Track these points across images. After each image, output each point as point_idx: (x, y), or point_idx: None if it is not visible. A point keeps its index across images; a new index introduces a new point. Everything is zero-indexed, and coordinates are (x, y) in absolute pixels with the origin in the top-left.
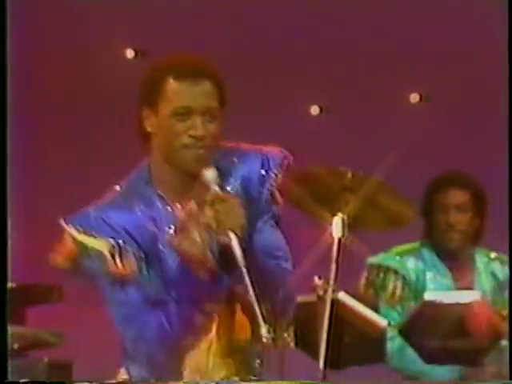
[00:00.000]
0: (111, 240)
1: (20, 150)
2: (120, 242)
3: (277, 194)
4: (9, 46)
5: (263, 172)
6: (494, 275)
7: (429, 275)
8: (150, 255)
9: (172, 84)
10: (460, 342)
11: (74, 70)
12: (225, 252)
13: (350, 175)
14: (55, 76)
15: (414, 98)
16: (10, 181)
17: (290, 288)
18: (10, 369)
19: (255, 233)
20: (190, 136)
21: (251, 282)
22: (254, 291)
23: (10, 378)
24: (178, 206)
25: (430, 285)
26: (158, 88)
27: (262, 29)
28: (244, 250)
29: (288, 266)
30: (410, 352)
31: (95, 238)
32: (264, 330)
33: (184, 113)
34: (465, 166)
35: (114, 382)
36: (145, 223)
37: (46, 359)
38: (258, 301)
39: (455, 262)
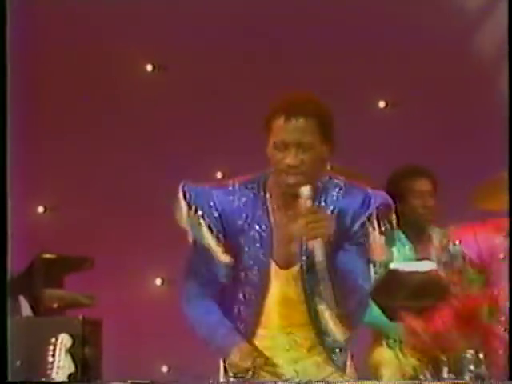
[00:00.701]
0: (205, 215)
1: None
2: (208, 219)
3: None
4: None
5: (359, 210)
6: (447, 249)
7: (395, 248)
8: (230, 242)
9: (276, 121)
10: (418, 304)
11: (96, 84)
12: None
13: (329, 167)
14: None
15: (382, 104)
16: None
17: (363, 299)
18: (48, 325)
19: (340, 250)
20: (287, 164)
21: (330, 283)
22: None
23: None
24: (276, 210)
25: (395, 255)
26: (267, 124)
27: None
28: (326, 256)
29: (365, 285)
30: (378, 311)
31: (197, 208)
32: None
33: (280, 145)
34: (425, 161)
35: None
36: (239, 216)
37: (80, 317)
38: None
39: (417, 238)
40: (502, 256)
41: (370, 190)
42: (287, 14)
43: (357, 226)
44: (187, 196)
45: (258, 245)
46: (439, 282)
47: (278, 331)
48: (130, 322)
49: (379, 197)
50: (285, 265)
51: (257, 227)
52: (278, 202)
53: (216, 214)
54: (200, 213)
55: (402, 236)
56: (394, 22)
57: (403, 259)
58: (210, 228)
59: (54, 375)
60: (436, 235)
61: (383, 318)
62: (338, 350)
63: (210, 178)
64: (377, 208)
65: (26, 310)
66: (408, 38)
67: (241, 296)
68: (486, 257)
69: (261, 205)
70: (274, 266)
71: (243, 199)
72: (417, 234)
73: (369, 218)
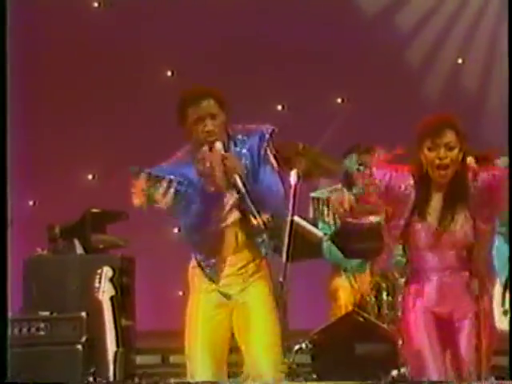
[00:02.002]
0: (167, 178)
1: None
2: (171, 180)
3: (270, 155)
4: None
5: (260, 142)
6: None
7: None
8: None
9: (187, 105)
10: (367, 246)
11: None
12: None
13: (301, 146)
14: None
15: (339, 99)
16: None
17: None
18: (95, 260)
19: (258, 174)
20: (206, 131)
21: (249, 198)
22: (252, 202)
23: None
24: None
25: None
26: (182, 111)
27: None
28: (244, 184)
29: (280, 190)
30: (336, 251)
31: (160, 178)
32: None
33: (198, 119)
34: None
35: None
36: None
37: (119, 254)
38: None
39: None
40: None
41: (261, 127)
42: (256, 17)
43: (262, 153)
44: (153, 175)
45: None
46: (379, 231)
47: None
48: (156, 259)
49: (267, 129)
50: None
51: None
52: (205, 157)
53: (179, 176)
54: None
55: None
56: (350, 33)
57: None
58: (182, 187)
59: (100, 297)
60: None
61: (340, 255)
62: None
63: None
64: (270, 134)
65: (79, 249)
66: (359, 45)
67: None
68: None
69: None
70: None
71: (188, 163)
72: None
73: (268, 145)
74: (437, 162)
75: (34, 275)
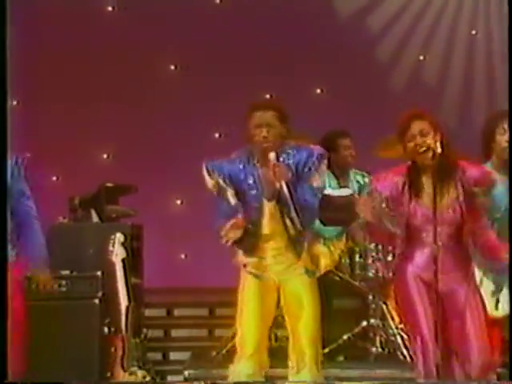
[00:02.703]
0: (220, 179)
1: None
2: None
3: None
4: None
5: (306, 160)
6: (358, 182)
7: (327, 182)
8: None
9: (250, 113)
10: (341, 215)
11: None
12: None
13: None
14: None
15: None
16: None
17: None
18: (109, 228)
19: (298, 186)
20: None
21: (293, 204)
22: (295, 209)
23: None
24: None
25: (328, 186)
26: (248, 115)
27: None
28: (290, 192)
29: (314, 203)
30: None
31: (216, 175)
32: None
33: (257, 126)
34: (346, 126)
35: None
36: (240, 174)
37: (129, 223)
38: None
39: (341, 177)
40: (400, 182)
41: (311, 146)
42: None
43: (306, 170)
44: (209, 169)
45: (254, 190)
46: (353, 202)
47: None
48: (161, 227)
49: (317, 150)
50: (269, 198)
51: (251, 180)
52: (260, 163)
53: (227, 177)
54: (218, 178)
55: (331, 174)
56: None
57: (331, 188)
58: (224, 186)
59: (113, 259)
60: (352, 174)
61: (320, 225)
62: (297, 243)
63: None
64: (316, 158)
65: (95, 218)
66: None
67: (247, 217)
68: (388, 189)
69: (251, 166)
70: (264, 200)
71: (241, 165)
72: (341, 175)
73: (313, 164)
74: (417, 148)
75: (57, 240)
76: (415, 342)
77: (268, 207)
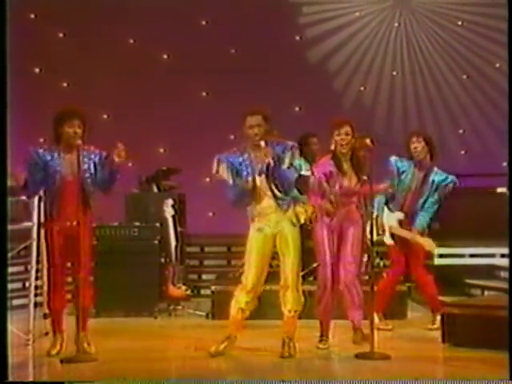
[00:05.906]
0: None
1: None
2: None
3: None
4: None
5: (284, 149)
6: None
7: (303, 166)
8: (238, 173)
9: (246, 117)
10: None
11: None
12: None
13: (276, 133)
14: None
15: (297, 108)
16: None
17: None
18: (163, 196)
19: (282, 165)
20: (254, 133)
21: (273, 179)
22: (275, 184)
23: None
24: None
25: (305, 169)
26: (243, 119)
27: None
28: (272, 169)
29: (292, 178)
30: (295, 191)
31: (225, 164)
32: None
33: (250, 126)
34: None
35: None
36: (240, 162)
37: (176, 192)
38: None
39: (312, 163)
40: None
41: (288, 141)
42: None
43: (284, 155)
44: (219, 161)
45: (249, 169)
46: (307, 180)
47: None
48: (197, 194)
49: (291, 143)
50: (259, 174)
51: (247, 167)
52: (253, 152)
53: (230, 163)
54: (226, 167)
55: (305, 161)
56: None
57: (305, 170)
58: (231, 173)
59: (166, 215)
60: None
61: (298, 193)
62: (282, 202)
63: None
64: (291, 147)
65: (155, 189)
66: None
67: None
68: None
69: (247, 156)
70: (256, 175)
71: (241, 158)
72: (311, 161)
73: (289, 151)
74: (340, 141)
75: (131, 204)
76: (320, 260)
77: (259, 180)
